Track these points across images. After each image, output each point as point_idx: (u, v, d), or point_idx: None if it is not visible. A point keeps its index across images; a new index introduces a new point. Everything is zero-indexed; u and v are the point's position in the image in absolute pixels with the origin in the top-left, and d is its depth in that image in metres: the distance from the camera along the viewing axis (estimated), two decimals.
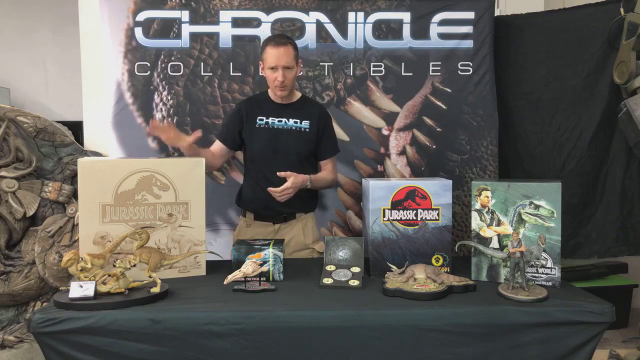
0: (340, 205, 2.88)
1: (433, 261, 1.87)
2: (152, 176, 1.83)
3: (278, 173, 2.11)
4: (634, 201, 2.64)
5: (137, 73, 2.79)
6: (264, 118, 2.27)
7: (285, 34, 2.46)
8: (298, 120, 2.27)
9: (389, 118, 2.86)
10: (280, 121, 2.27)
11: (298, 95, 2.34)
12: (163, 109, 2.81)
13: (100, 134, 2.91)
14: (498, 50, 2.84)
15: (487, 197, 1.80)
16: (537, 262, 1.71)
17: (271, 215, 2.28)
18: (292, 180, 2.10)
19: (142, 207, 1.82)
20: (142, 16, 2.76)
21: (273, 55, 2.13)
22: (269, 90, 2.31)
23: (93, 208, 1.78)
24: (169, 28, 2.78)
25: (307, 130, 2.27)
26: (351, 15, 2.81)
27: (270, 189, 2.10)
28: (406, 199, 1.87)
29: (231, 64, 2.80)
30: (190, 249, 1.86)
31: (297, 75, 2.27)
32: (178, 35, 2.78)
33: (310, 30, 2.80)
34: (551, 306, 1.55)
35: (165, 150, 2.80)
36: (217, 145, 2.35)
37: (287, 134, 2.26)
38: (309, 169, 2.29)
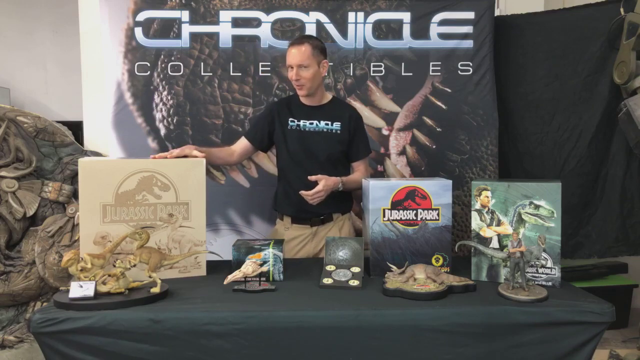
0: None
1: (433, 261, 1.87)
2: (153, 176, 1.83)
3: (309, 177, 2.10)
4: (634, 201, 2.65)
5: (137, 73, 2.79)
6: (295, 120, 2.28)
7: (309, 35, 2.49)
8: (329, 122, 2.28)
9: (389, 118, 2.87)
10: (312, 123, 2.27)
11: (329, 97, 2.35)
12: (163, 109, 2.81)
13: (100, 134, 2.91)
14: (498, 50, 2.84)
15: (487, 197, 1.80)
16: (537, 262, 1.70)
17: (308, 217, 2.28)
18: (324, 184, 2.10)
19: (143, 207, 1.82)
20: (142, 16, 2.76)
21: (288, 55, 2.18)
22: None
23: (94, 208, 1.78)
24: (169, 28, 2.78)
25: (339, 132, 2.28)
26: (351, 15, 2.81)
27: (302, 192, 2.10)
28: (406, 199, 1.87)
29: (231, 64, 2.80)
30: (191, 249, 1.86)
31: (322, 75, 2.25)
32: (178, 35, 2.78)
33: (310, 30, 2.80)
34: (551, 306, 1.55)
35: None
36: (243, 143, 2.36)
37: (318, 136, 2.27)
38: (342, 170, 2.29)
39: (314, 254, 2.29)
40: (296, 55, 2.15)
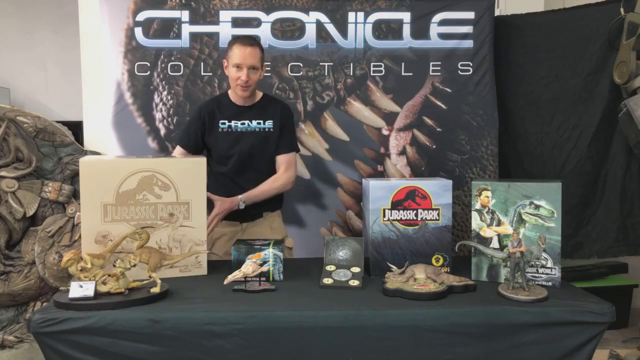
0: (340, 205, 2.88)
1: (433, 261, 1.87)
2: (153, 176, 1.83)
3: (208, 194, 2.00)
4: (634, 201, 2.64)
5: (137, 73, 2.79)
6: (226, 121, 2.24)
7: (255, 36, 2.47)
8: (261, 121, 2.24)
9: (389, 118, 2.87)
10: (243, 124, 2.23)
11: (260, 95, 2.29)
12: (163, 109, 2.81)
13: (100, 134, 2.90)
14: (498, 50, 2.84)
15: (487, 197, 1.80)
16: (537, 262, 1.70)
17: (238, 215, 2.24)
18: (218, 207, 2.10)
19: (144, 207, 1.82)
20: (142, 16, 2.76)
21: (239, 54, 2.12)
22: (229, 92, 2.28)
23: (94, 207, 1.78)
24: (169, 28, 2.78)
25: (271, 130, 2.24)
26: (351, 15, 2.81)
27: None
28: (406, 199, 1.87)
29: None
30: (192, 248, 1.86)
31: (261, 78, 2.22)
32: (178, 35, 2.78)
33: (310, 30, 2.80)
34: (551, 306, 1.55)
35: (165, 150, 2.80)
36: (179, 151, 2.30)
37: (250, 136, 2.23)
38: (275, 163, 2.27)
39: None
40: (249, 56, 2.11)
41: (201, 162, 1.92)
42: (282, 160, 2.27)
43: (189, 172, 1.88)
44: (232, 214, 2.20)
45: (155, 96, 2.80)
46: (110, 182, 1.79)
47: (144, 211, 1.82)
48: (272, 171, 2.23)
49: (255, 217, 2.29)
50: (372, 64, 2.84)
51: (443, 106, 2.86)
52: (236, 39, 2.19)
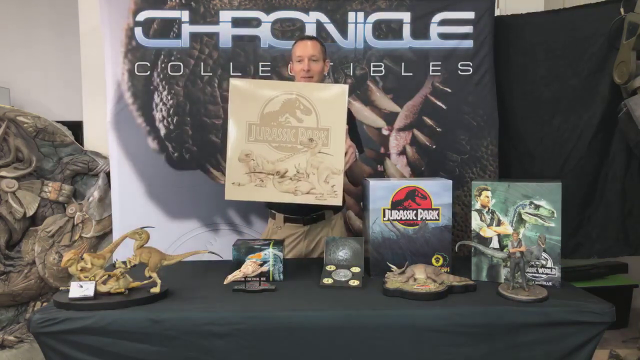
0: None
1: (433, 261, 1.87)
2: (297, 99, 1.87)
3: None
4: (634, 201, 2.64)
5: (137, 73, 2.78)
6: None
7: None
8: None
9: (389, 118, 2.86)
10: None
11: None
12: (163, 109, 2.81)
13: (100, 134, 2.90)
14: (498, 50, 2.84)
15: (487, 197, 1.80)
16: (537, 262, 1.70)
17: (300, 216, 2.26)
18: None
19: (285, 130, 1.87)
20: (142, 16, 2.76)
21: (300, 47, 2.19)
22: None
23: (241, 126, 1.85)
24: (169, 28, 2.78)
25: None
26: (351, 15, 2.81)
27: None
28: (406, 199, 1.87)
29: (231, 64, 2.80)
30: (328, 176, 1.86)
31: (324, 73, 2.26)
32: (178, 35, 2.78)
33: (310, 30, 2.80)
34: (551, 306, 1.55)
35: (166, 150, 2.80)
36: None
37: None
38: None
39: (305, 253, 2.28)
40: (310, 47, 2.17)
41: (343, 89, 1.94)
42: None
43: (330, 98, 1.90)
44: (295, 215, 2.25)
45: (155, 96, 2.80)
46: (256, 102, 1.86)
47: (285, 134, 1.87)
48: None
49: (318, 219, 2.29)
50: (372, 64, 2.84)
51: (443, 106, 2.86)
52: (298, 38, 2.28)
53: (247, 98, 1.88)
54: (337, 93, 1.92)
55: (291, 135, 1.87)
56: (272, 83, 2.00)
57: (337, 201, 1.89)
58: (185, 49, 2.79)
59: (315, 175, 1.86)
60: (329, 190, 1.87)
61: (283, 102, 1.87)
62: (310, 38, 2.25)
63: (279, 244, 1.86)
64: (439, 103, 2.86)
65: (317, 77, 2.21)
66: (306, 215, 2.26)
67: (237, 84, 1.91)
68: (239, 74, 2.80)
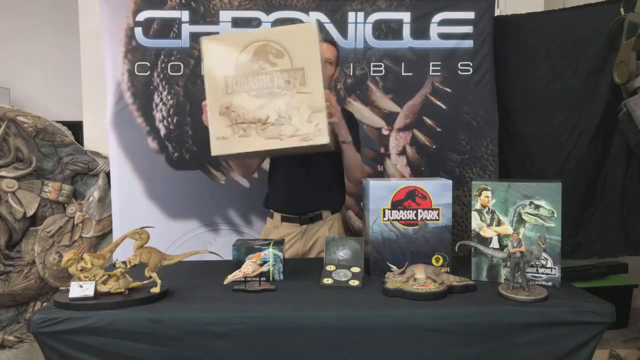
0: None
1: (433, 261, 1.87)
2: (268, 44, 1.88)
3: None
4: (634, 201, 2.64)
5: (137, 73, 2.78)
6: None
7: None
8: None
9: (389, 118, 2.86)
10: None
11: None
12: (163, 109, 2.81)
13: (100, 134, 2.90)
14: (498, 50, 2.84)
15: (487, 197, 1.80)
16: (537, 262, 1.71)
17: (297, 215, 2.26)
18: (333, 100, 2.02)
19: (261, 77, 1.88)
20: (142, 16, 2.76)
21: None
22: None
23: (217, 81, 1.87)
24: (169, 28, 2.78)
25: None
26: (351, 15, 2.81)
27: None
28: (406, 199, 1.87)
29: None
30: (311, 116, 1.85)
31: (335, 77, 2.28)
32: (178, 35, 2.78)
33: None
34: (551, 306, 1.55)
35: (166, 151, 2.80)
36: None
37: None
38: (334, 159, 2.25)
39: (302, 253, 2.27)
40: (328, 49, 2.17)
41: (312, 25, 1.95)
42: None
43: (300, 37, 1.90)
44: (292, 212, 2.26)
45: (155, 96, 2.80)
46: (229, 55, 1.88)
47: (261, 81, 1.88)
48: (331, 160, 2.23)
49: (315, 219, 2.29)
50: (372, 64, 2.84)
51: (443, 106, 2.86)
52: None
53: (219, 53, 1.89)
54: (305, 30, 1.93)
55: (267, 81, 1.87)
56: (241, 34, 2.04)
57: (324, 139, 1.85)
58: (185, 49, 2.79)
59: (297, 116, 1.85)
60: (313, 130, 1.85)
61: (255, 50, 1.87)
62: (327, 40, 2.23)
63: (278, 244, 1.86)
64: (438, 103, 2.86)
65: (328, 81, 2.18)
66: (303, 214, 2.26)
67: (208, 42, 1.92)
68: None
